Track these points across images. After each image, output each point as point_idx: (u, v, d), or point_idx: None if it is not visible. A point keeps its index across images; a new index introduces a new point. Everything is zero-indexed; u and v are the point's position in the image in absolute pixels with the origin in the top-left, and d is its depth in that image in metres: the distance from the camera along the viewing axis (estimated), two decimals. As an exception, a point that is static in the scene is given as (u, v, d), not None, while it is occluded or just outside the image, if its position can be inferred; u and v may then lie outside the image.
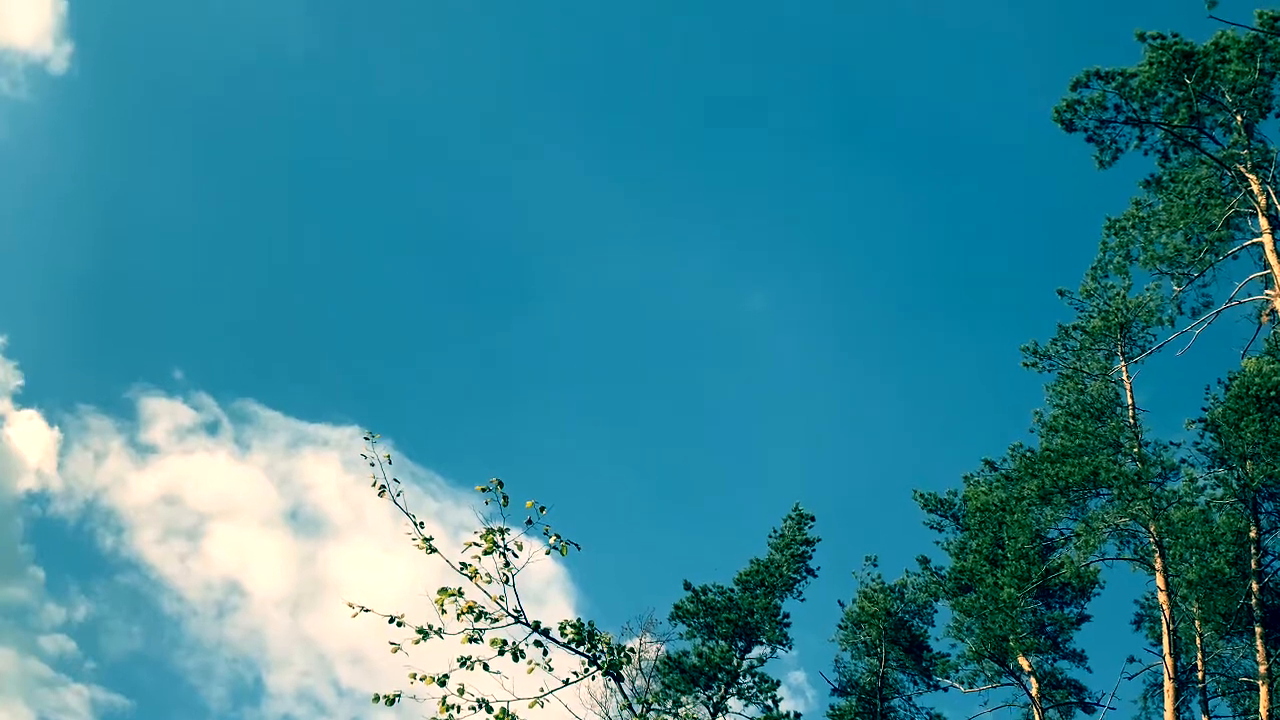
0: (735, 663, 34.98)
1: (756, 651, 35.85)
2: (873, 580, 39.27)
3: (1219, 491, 29.92)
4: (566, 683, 10.98)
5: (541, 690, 10.83)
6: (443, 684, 10.55)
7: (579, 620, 11.35)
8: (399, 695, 10.50)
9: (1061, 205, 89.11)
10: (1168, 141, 31.09)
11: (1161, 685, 30.54)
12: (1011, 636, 32.74)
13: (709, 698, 34.53)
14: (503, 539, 10.78)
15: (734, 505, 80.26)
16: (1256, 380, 27.11)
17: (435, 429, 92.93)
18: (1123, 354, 33.88)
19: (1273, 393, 26.76)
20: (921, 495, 40.27)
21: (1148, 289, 33.64)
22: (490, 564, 10.78)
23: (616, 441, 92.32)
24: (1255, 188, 29.84)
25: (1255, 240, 30.36)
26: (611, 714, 33.60)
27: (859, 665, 38.74)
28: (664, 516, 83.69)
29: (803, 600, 37.48)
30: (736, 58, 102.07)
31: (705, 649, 35.28)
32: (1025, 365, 35.77)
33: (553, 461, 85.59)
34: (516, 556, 10.79)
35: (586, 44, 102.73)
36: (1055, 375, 35.22)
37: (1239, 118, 29.84)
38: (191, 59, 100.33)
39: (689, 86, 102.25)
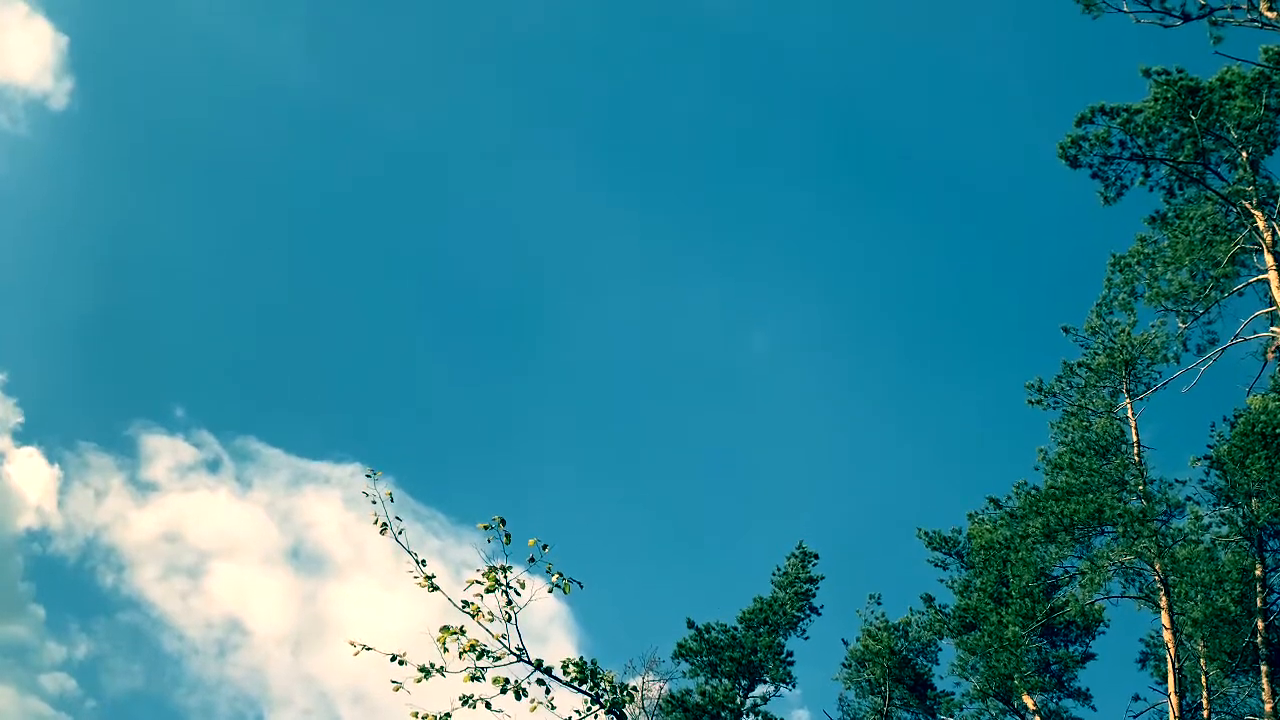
0: (739, 701, 34.75)
1: (760, 690, 35.71)
2: (876, 618, 39.11)
3: (1224, 529, 29.83)
4: (569, 722, 10.88)
5: (544, 730, 10.72)
6: (444, 723, 10.44)
7: (581, 658, 11.24)
8: (400, 734, 10.40)
9: (1066, 241, 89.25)
10: (1173, 178, 31.04)
11: (1167, 725, 30.35)
12: (1016, 675, 32.52)
13: (711, 736, 34.28)
14: (505, 577, 10.69)
15: (737, 543, 79.99)
16: (1262, 418, 27.03)
17: (437, 466, 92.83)
18: (1128, 391, 33.82)
19: (1278, 430, 26.66)
20: (925, 533, 40.13)
21: (1153, 326, 33.66)
22: (492, 602, 10.70)
23: (619, 479, 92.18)
24: (1261, 224, 29.78)
25: (1261, 277, 30.28)
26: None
27: (863, 704, 38.55)
28: (667, 554, 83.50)
29: (806, 638, 37.39)
30: (741, 96, 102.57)
31: (708, 688, 35.09)
32: (1030, 402, 35.75)
33: (555, 499, 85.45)
34: (519, 594, 10.70)
35: (590, 81, 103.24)
36: (1060, 412, 35.20)
37: (1244, 154, 29.81)
38: (191, 94, 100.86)
39: (693, 124, 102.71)
